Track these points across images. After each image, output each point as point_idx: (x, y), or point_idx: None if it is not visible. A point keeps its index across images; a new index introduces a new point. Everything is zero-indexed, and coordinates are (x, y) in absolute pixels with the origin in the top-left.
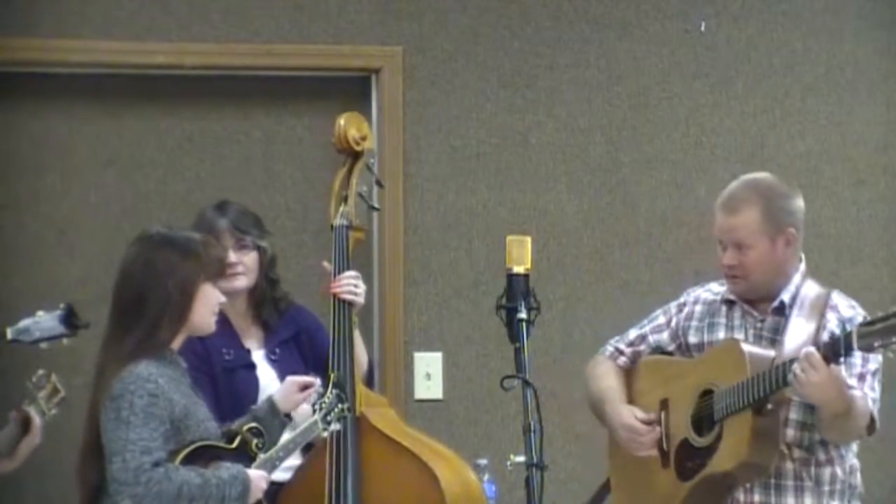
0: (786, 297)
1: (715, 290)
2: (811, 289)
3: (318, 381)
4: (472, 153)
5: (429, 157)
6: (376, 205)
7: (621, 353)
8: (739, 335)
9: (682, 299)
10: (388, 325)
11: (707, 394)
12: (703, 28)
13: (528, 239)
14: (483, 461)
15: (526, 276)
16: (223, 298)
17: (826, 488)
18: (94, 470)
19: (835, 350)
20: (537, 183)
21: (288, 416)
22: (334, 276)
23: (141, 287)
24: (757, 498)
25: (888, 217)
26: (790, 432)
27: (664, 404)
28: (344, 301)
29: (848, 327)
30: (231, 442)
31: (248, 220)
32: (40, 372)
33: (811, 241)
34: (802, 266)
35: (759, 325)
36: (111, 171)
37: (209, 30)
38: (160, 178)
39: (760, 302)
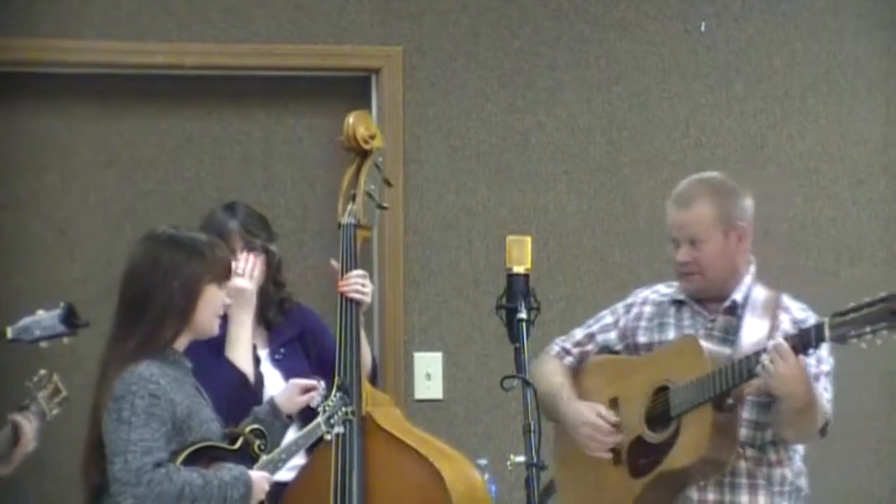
0: (738, 296)
1: (663, 291)
2: (760, 292)
3: (321, 384)
4: (472, 153)
5: (429, 157)
6: (385, 204)
7: (568, 352)
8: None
9: (629, 300)
10: (388, 325)
11: (661, 390)
12: (703, 28)
13: (528, 239)
14: (483, 461)
15: (526, 276)
16: (228, 301)
17: (776, 489)
18: (97, 469)
19: (805, 341)
20: (537, 183)
21: (290, 417)
22: (342, 274)
23: (146, 286)
24: (711, 496)
25: (888, 217)
26: (743, 431)
27: (614, 403)
28: (351, 300)
29: (811, 321)
30: (233, 443)
31: (257, 223)
32: (42, 372)
33: (811, 240)
34: (753, 268)
35: (709, 324)
36: (111, 171)
37: (209, 30)
38: (160, 178)
39: (710, 302)
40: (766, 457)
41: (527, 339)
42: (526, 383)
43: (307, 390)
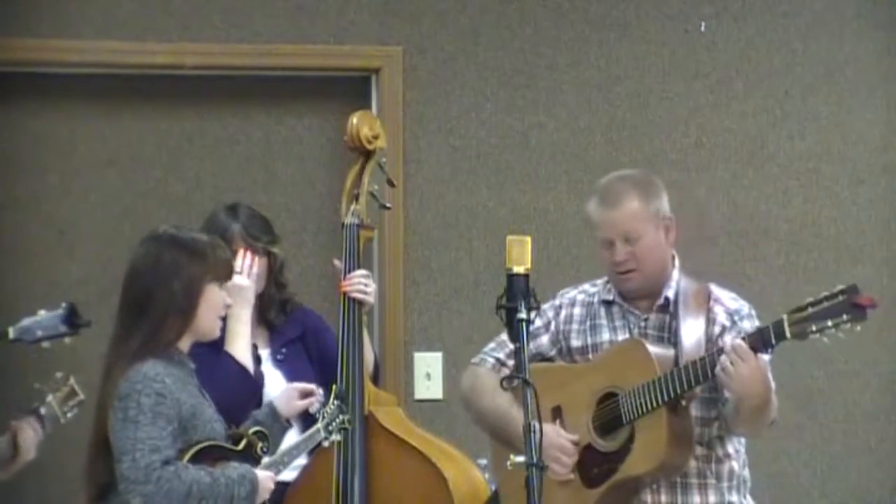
0: (669, 293)
1: (589, 290)
2: (688, 283)
3: (319, 389)
4: (472, 153)
5: (429, 157)
6: (388, 204)
7: (503, 364)
8: (624, 335)
9: (556, 301)
10: (388, 325)
11: (608, 397)
12: (703, 28)
13: (528, 239)
14: (483, 461)
15: (526, 276)
16: (230, 301)
17: (725, 484)
18: (103, 468)
19: (764, 340)
20: (537, 183)
21: (288, 421)
22: (344, 274)
23: (148, 286)
24: (664, 498)
25: (888, 217)
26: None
27: (557, 412)
28: (354, 300)
29: (744, 310)
30: (237, 444)
31: (260, 226)
32: (58, 374)
33: (811, 241)
34: (678, 262)
35: (642, 323)
36: (111, 171)
37: (209, 30)
38: (160, 178)
39: (640, 300)
40: (714, 452)
41: (527, 339)
42: (526, 383)
43: (305, 394)
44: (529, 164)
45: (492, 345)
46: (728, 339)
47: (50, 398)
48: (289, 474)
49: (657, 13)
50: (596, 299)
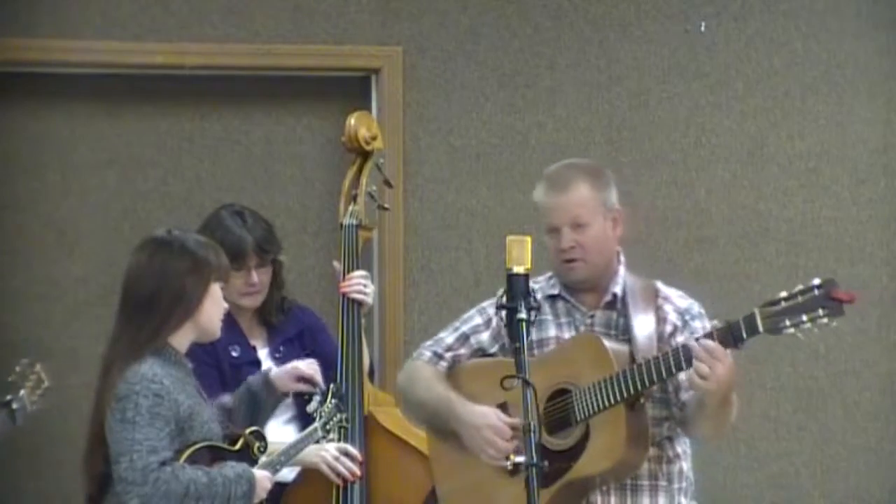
0: (617, 289)
1: (531, 287)
2: (634, 281)
3: (320, 381)
4: (472, 153)
5: (429, 157)
6: (386, 205)
7: (440, 357)
8: (570, 332)
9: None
10: (388, 325)
11: (559, 394)
12: (703, 28)
13: (528, 239)
14: None
15: (526, 276)
16: (226, 305)
17: (676, 486)
18: (100, 459)
19: (735, 335)
20: (537, 183)
21: (286, 394)
22: (343, 275)
23: (154, 286)
24: (613, 500)
25: (888, 217)
26: None
27: (503, 409)
28: (353, 300)
29: (695, 308)
30: (234, 444)
31: (269, 237)
32: (24, 361)
33: (811, 240)
34: (623, 258)
35: (588, 320)
36: (111, 171)
37: (209, 30)
38: (160, 178)
39: (586, 295)
40: (665, 453)
41: (527, 339)
42: (526, 383)
43: (303, 379)
44: (529, 164)
45: (429, 342)
46: (681, 339)
47: (23, 391)
48: (288, 475)
49: (657, 13)
50: (540, 295)
